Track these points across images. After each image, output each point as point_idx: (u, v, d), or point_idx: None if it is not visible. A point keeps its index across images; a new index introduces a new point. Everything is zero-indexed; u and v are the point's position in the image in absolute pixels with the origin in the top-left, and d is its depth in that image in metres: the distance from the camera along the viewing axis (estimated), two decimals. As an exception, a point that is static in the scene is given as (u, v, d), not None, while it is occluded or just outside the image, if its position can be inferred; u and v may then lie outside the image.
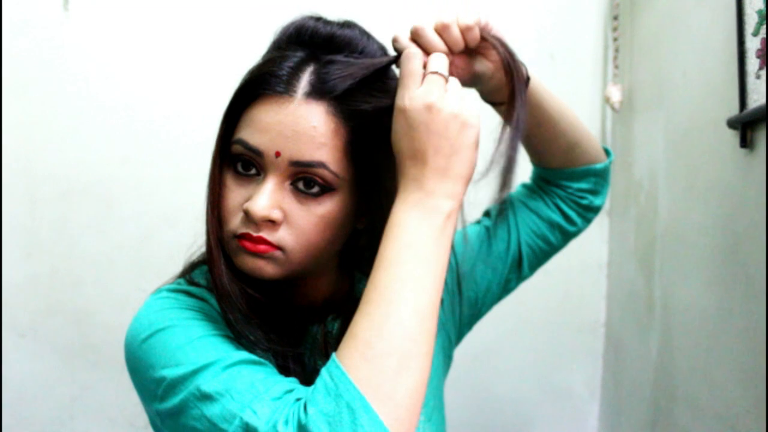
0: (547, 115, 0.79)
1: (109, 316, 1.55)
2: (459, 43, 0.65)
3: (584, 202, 0.87)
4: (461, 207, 0.65)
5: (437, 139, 0.58)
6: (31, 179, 1.57)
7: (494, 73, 0.70)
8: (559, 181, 0.87)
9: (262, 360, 0.59)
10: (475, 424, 1.66)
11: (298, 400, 0.53)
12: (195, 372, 0.56)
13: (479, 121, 0.61)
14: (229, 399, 0.54)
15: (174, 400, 0.56)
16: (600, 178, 0.88)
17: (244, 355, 0.59)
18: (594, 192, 0.88)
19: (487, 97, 0.75)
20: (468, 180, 0.61)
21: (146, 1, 1.58)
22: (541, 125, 0.80)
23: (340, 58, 0.63)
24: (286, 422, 0.51)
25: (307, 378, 0.60)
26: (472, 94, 0.66)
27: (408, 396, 0.52)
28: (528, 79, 0.73)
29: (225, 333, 0.62)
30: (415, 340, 0.53)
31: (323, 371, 0.53)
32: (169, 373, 0.57)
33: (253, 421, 0.52)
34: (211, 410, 0.54)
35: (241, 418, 0.52)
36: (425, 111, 0.58)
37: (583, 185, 0.87)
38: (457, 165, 0.59)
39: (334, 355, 0.54)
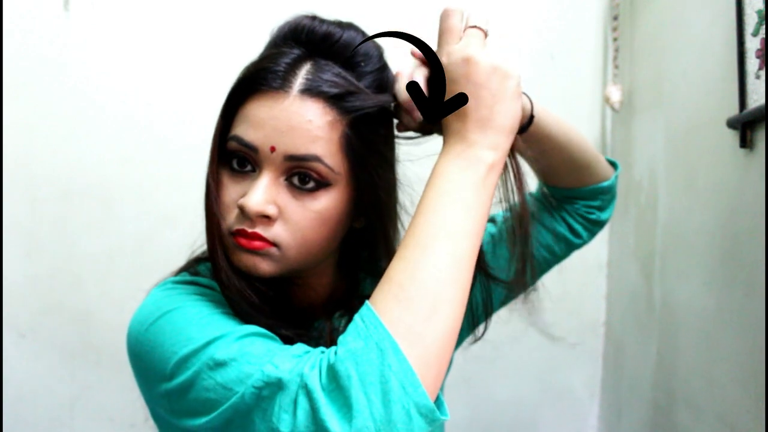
0: (555, 143, 0.79)
1: (109, 316, 1.55)
2: None
3: (592, 216, 0.87)
4: (515, 162, 0.65)
5: (478, 91, 0.58)
6: (31, 179, 1.57)
7: None
8: (567, 198, 0.87)
9: (273, 335, 0.59)
10: (475, 424, 1.66)
11: (323, 353, 0.52)
12: (207, 344, 0.55)
13: (519, 72, 0.60)
14: (245, 362, 0.53)
15: (186, 374, 0.55)
16: (608, 194, 0.88)
17: (256, 328, 0.58)
18: (601, 208, 0.88)
19: None
20: (512, 131, 0.60)
21: (146, 2, 1.58)
22: (549, 152, 0.79)
23: (338, 69, 0.62)
24: (313, 367, 0.50)
25: None
26: (512, 47, 0.65)
27: (438, 340, 0.51)
28: (532, 117, 0.72)
29: (234, 314, 0.61)
30: (449, 285, 0.52)
31: (356, 316, 0.52)
32: (181, 350, 0.56)
33: (273, 372, 0.51)
34: (225, 376, 0.53)
35: (262, 371, 0.51)
36: (464, 64, 0.58)
37: (591, 202, 0.87)
38: (498, 115, 0.58)
39: (367, 300, 0.53)
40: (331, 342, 0.68)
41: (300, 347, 0.55)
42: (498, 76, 0.58)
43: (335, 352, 0.50)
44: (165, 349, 0.57)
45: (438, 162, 0.59)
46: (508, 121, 0.59)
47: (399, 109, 0.65)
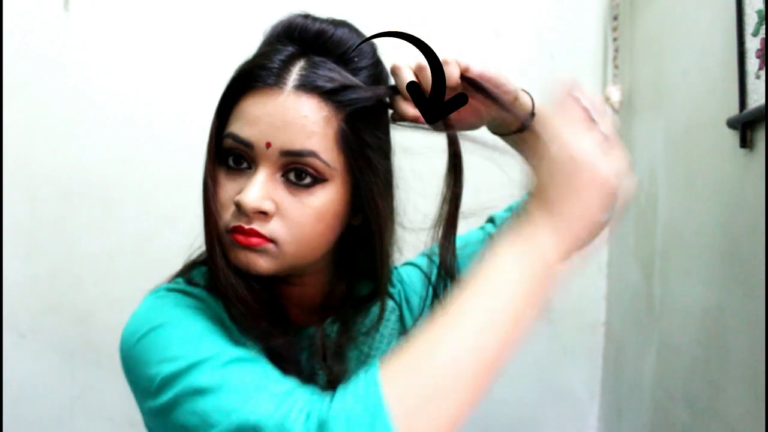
0: None
1: (109, 316, 1.54)
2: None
3: None
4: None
5: (553, 169, 0.56)
6: (31, 179, 1.57)
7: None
8: None
9: (261, 358, 0.58)
10: (475, 424, 1.64)
11: (311, 395, 0.51)
12: (191, 367, 0.54)
13: (619, 181, 0.56)
14: (227, 393, 0.51)
15: (168, 395, 0.54)
16: None
17: (244, 352, 0.57)
18: None
19: (494, 130, 0.73)
20: (579, 229, 0.56)
21: (146, 2, 1.58)
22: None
23: (333, 65, 0.62)
24: (300, 413, 0.49)
25: (304, 381, 0.59)
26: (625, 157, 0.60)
27: (436, 428, 0.49)
28: (533, 114, 0.70)
29: (223, 331, 0.61)
30: (463, 378, 0.51)
31: (361, 375, 0.50)
32: (165, 368, 0.55)
33: (254, 414, 0.49)
34: (206, 404, 0.51)
35: (242, 410, 0.50)
36: (552, 137, 0.57)
37: None
38: (565, 203, 0.55)
39: (377, 362, 0.51)
40: (322, 349, 0.67)
41: (288, 381, 0.54)
42: (578, 165, 0.55)
43: (329, 407, 0.48)
44: (151, 366, 0.56)
45: (498, 234, 0.57)
46: (575, 211, 0.55)
47: (395, 99, 0.64)
